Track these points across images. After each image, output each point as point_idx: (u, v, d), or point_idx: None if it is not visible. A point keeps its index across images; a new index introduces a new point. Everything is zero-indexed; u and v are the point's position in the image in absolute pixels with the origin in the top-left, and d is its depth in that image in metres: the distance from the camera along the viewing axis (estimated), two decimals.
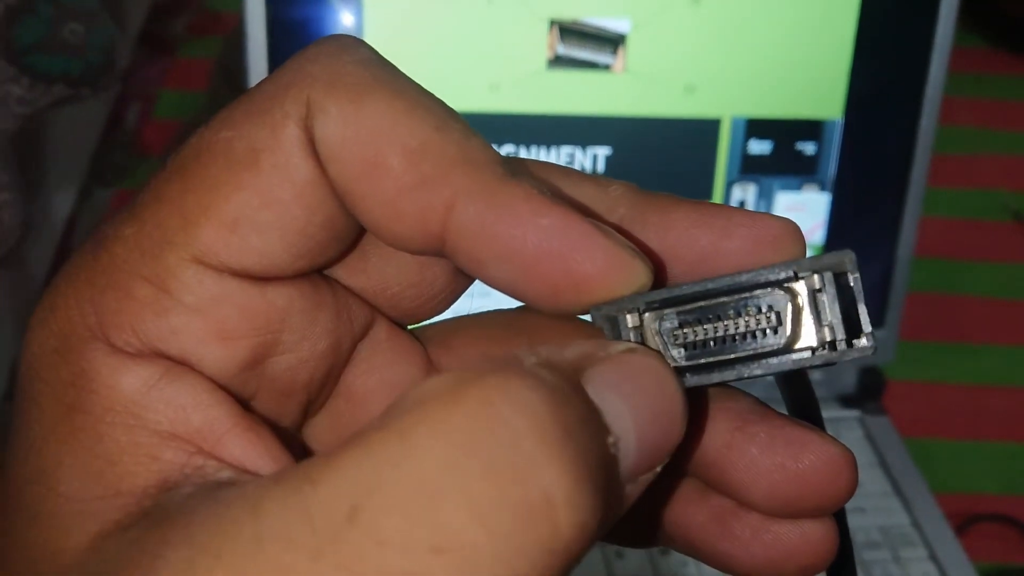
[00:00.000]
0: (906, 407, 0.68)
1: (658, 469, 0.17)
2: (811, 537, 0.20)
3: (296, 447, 0.21)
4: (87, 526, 0.17)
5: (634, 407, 0.17)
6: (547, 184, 0.20)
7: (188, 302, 0.18)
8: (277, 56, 0.55)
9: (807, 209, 0.61)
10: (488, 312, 0.24)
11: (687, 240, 0.20)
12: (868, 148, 0.60)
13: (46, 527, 0.17)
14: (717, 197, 0.61)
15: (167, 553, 0.15)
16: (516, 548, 0.14)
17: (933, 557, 0.58)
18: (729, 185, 0.61)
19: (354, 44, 0.19)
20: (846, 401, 0.67)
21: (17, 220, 0.61)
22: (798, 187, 0.61)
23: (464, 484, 0.14)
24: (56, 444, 0.18)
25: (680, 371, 0.19)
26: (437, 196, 0.18)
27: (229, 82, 0.76)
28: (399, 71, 0.19)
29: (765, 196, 0.61)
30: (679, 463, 0.20)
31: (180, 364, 0.18)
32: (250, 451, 0.18)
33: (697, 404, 0.20)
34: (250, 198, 0.18)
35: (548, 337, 0.23)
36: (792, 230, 0.20)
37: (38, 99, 0.66)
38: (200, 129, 0.19)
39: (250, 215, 0.18)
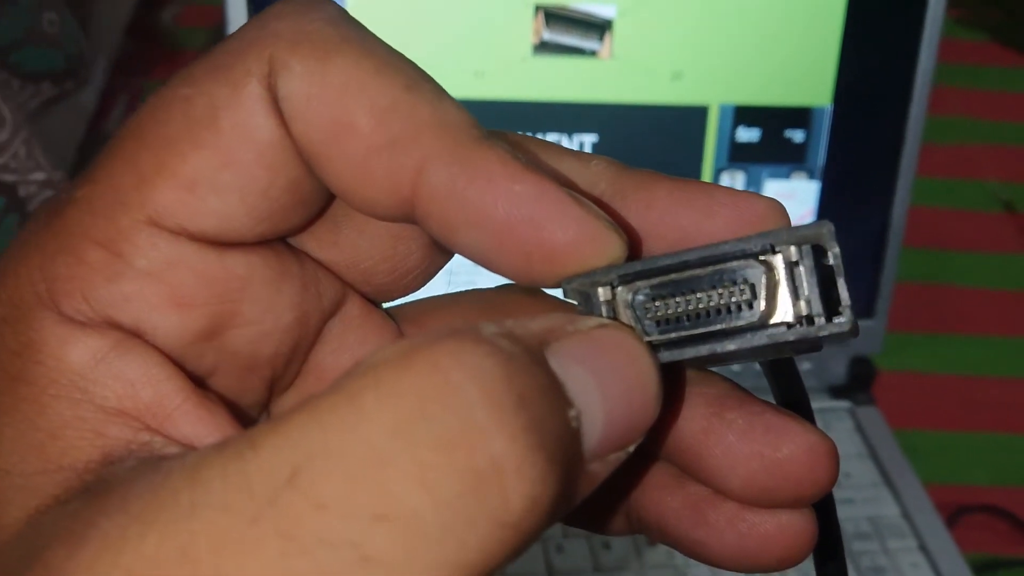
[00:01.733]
0: (896, 398, 0.68)
1: (630, 449, 0.17)
2: (788, 528, 0.19)
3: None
4: (26, 501, 0.16)
5: (601, 382, 0.16)
6: (525, 152, 0.19)
7: (141, 266, 0.18)
8: None
9: (796, 197, 0.61)
10: (465, 291, 0.23)
11: (668, 218, 0.19)
12: (857, 136, 0.60)
13: None
14: None
15: (101, 522, 0.14)
16: (463, 518, 0.14)
17: (923, 548, 0.57)
18: (717, 173, 0.60)
19: (321, 2, 0.19)
20: (836, 392, 0.67)
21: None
22: (787, 175, 0.61)
23: (411, 450, 0.14)
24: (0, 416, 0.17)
25: (653, 346, 0.18)
26: (407, 157, 0.18)
27: None
28: (368, 30, 0.19)
29: (753, 184, 0.61)
30: (653, 447, 0.20)
31: (132, 336, 0.18)
32: (200, 428, 0.18)
33: (672, 385, 0.20)
34: (209, 157, 0.18)
35: (525, 315, 0.22)
36: (777, 209, 0.19)
37: (28, 102, 0.65)
38: (159, 87, 0.19)
39: (209, 175, 0.18)
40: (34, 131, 0.68)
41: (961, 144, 0.89)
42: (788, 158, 0.60)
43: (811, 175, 0.61)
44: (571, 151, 0.21)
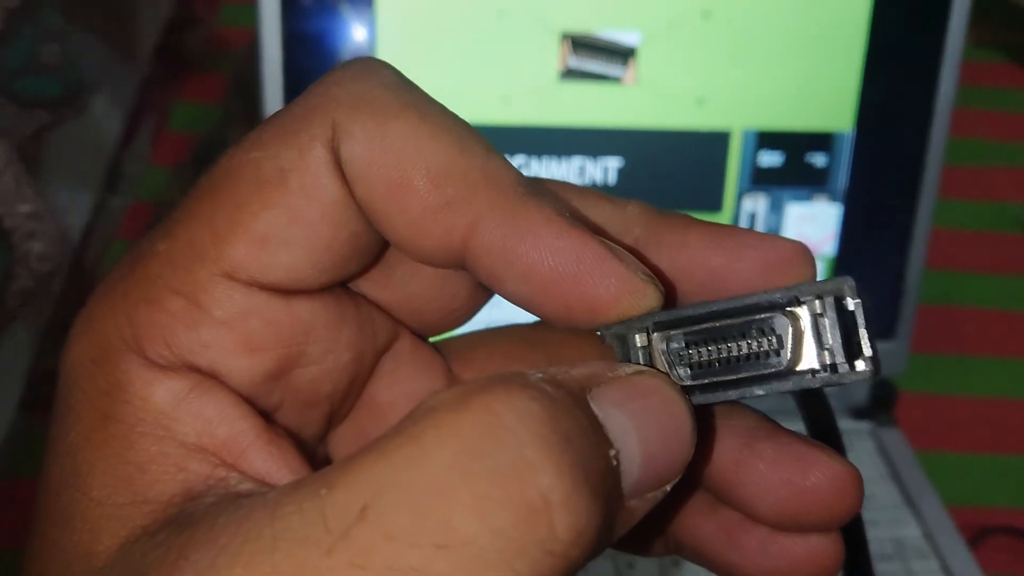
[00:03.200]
0: (918, 419, 0.68)
1: (667, 488, 0.18)
2: (816, 550, 0.20)
3: (319, 457, 0.22)
4: (116, 530, 0.18)
5: (638, 425, 0.17)
6: (565, 202, 0.20)
7: (218, 315, 0.19)
8: (291, 70, 0.56)
9: (818, 220, 0.61)
10: (506, 327, 0.25)
11: (700, 261, 0.21)
12: (879, 160, 0.61)
13: (78, 530, 0.18)
14: (728, 208, 0.61)
15: (190, 554, 0.16)
16: (516, 546, 0.15)
17: (946, 569, 0.58)
18: (740, 196, 0.61)
19: (379, 67, 0.20)
20: (858, 413, 0.67)
21: (63, 231, 0.62)
22: (809, 198, 0.61)
23: (468, 483, 0.15)
24: (91, 450, 0.18)
25: (686, 390, 0.19)
26: (461, 217, 0.19)
27: (243, 96, 0.76)
28: (424, 93, 0.20)
29: (776, 207, 0.61)
30: (690, 478, 0.21)
31: (209, 378, 0.19)
32: (271, 464, 0.19)
33: (705, 422, 0.21)
34: (279, 216, 0.19)
35: (564, 351, 0.24)
36: (802, 252, 0.20)
37: (22, 126, 0.66)
38: (230, 149, 0.20)
39: (278, 232, 0.19)
40: (38, 155, 0.69)
41: (982, 166, 0.90)
42: (810, 182, 0.61)
43: (833, 198, 0.61)
44: (606, 196, 0.22)
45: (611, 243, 0.19)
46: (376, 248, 0.21)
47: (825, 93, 0.59)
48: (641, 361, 0.20)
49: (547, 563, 0.15)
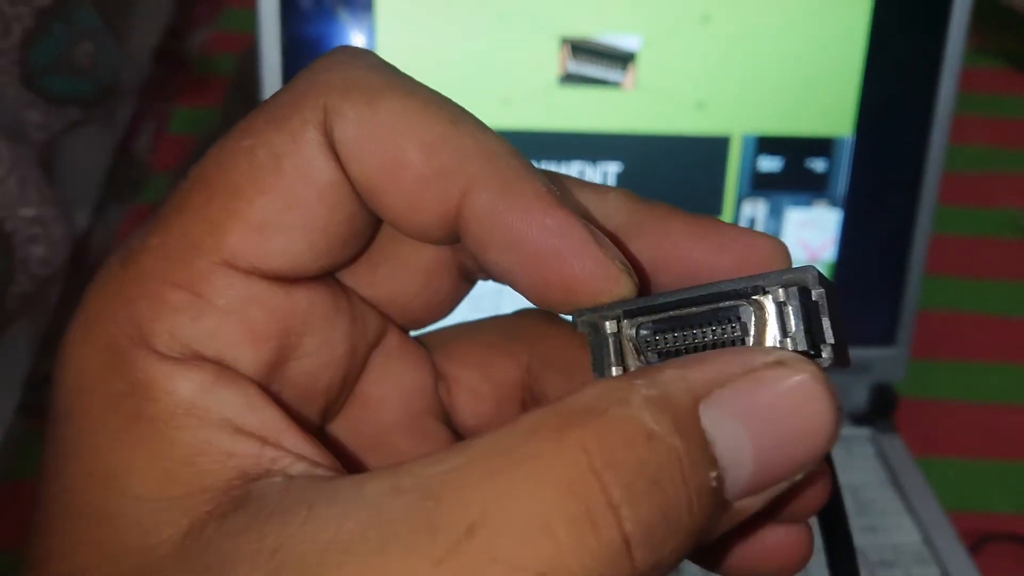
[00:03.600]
0: (919, 425, 0.68)
1: (797, 478, 0.18)
2: (783, 542, 0.21)
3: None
4: (176, 520, 0.18)
5: (758, 433, 0.17)
6: (555, 185, 0.20)
7: (221, 305, 0.19)
8: (291, 73, 0.56)
9: (818, 226, 0.61)
10: (486, 319, 0.25)
11: (680, 252, 0.21)
12: (879, 165, 0.61)
13: (121, 527, 0.18)
14: (727, 213, 0.61)
15: (295, 545, 0.16)
16: None
17: (945, 575, 0.57)
18: (739, 201, 0.61)
19: (363, 53, 0.20)
20: (857, 419, 0.67)
21: (63, 235, 0.62)
22: (808, 203, 0.61)
23: (564, 521, 0.16)
24: (123, 451, 0.18)
25: None
26: (454, 184, 0.19)
27: (243, 99, 0.76)
28: (408, 76, 0.20)
29: (775, 213, 0.61)
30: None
31: (228, 368, 0.19)
32: (306, 448, 0.19)
33: None
34: (275, 201, 0.19)
35: (543, 342, 0.24)
36: (780, 249, 0.21)
37: (52, 124, 0.67)
38: (219, 140, 0.20)
39: (275, 217, 0.19)
40: (58, 157, 0.69)
41: (982, 172, 0.90)
42: (810, 187, 0.61)
43: (833, 204, 0.61)
44: (590, 184, 0.22)
45: (593, 228, 0.19)
46: (369, 231, 0.21)
47: (825, 98, 0.59)
48: (611, 348, 0.20)
49: None
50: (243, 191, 0.19)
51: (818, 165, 0.60)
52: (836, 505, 0.22)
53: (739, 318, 0.19)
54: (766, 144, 0.60)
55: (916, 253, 0.62)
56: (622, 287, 0.19)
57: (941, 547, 0.59)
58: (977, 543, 0.62)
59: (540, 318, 0.24)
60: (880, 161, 0.61)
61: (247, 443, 0.18)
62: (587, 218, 0.20)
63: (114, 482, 0.18)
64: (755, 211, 0.61)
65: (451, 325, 0.25)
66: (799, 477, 0.18)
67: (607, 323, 0.20)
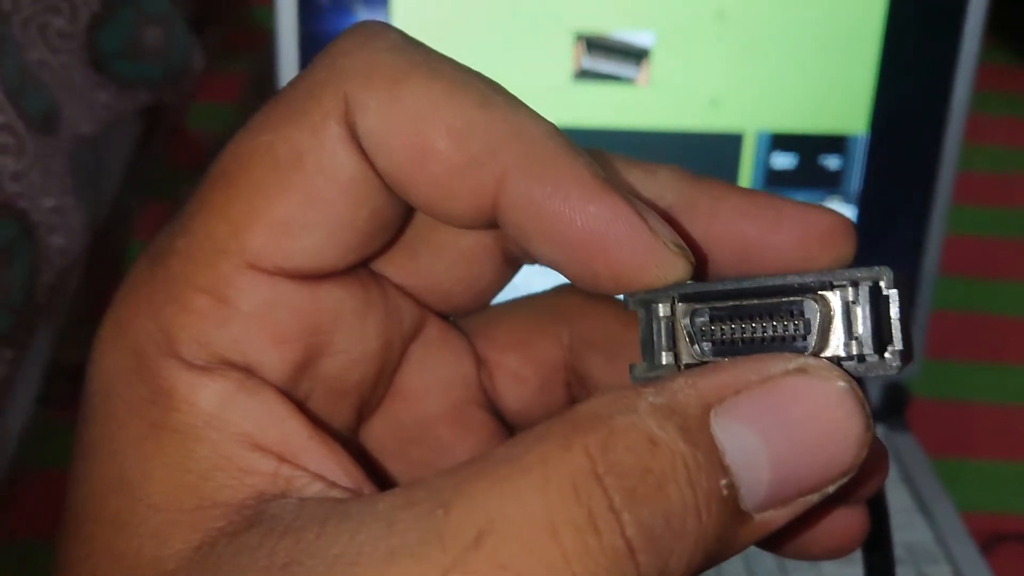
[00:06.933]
0: (934, 425, 0.68)
1: (828, 490, 0.17)
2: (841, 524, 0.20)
3: (352, 450, 0.21)
4: (187, 535, 0.17)
5: (775, 441, 0.17)
6: (600, 165, 0.19)
7: (246, 309, 0.19)
8: None
9: None
10: (524, 298, 0.24)
11: (735, 230, 0.20)
12: (893, 163, 0.60)
13: (136, 536, 0.18)
14: None
15: (304, 560, 0.16)
16: None
17: (958, 575, 0.57)
18: None
19: (383, 30, 0.19)
20: None
21: (83, 226, 0.62)
22: (822, 201, 0.61)
23: (570, 526, 0.16)
24: (142, 459, 0.18)
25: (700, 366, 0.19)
26: (488, 173, 0.18)
27: (260, 95, 0.77)
28: (433, 51, 0.19)
29: None
30: None
31: (251, 376, 0.19)
32: (324, 463, 0.19)
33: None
34: (297, 199, 0.18)
35: (586, 320, 0.23)
36: (844, 226, 0.20)
37: (122, 104, 0.67)
38: (238, 134, 0.19)
39: (298, 216, 0.18)
40: (103, 149, 0.70)
41: (997, 172, 0.89)
42: (824, 184, 0.61)
43: (847, 201, 0.61)
44: (638, 161, 0.21)
45: (644, 208, 0.18)
46: (399, 219, 0.20)
47: (839, 95, 0.59)
48: (663, 332, 0.19)
49: None
50: (264, 189, 0.18)
51: (832, 162, 0.60)
52: (879, 493, 0.21)
53: (802, 314, 0.18)
54: (780, 141, 0.60)
55: (930, 251, 0.62)
56: (678, 270, 0.18)
57: (954, 546, 0.58)
58: (990, 543, 0.61)
59: (580, 294, 0.23)
60: (894, 159, 0.60)
61: (264, 460, 0.18)
62: (636, 198, 0.19)
63: (132, 490, 0.18)
64: None
65: (490, 308, 0.24)
66: (831, 489, 0.17)
67: (661, 305, 0.19)
